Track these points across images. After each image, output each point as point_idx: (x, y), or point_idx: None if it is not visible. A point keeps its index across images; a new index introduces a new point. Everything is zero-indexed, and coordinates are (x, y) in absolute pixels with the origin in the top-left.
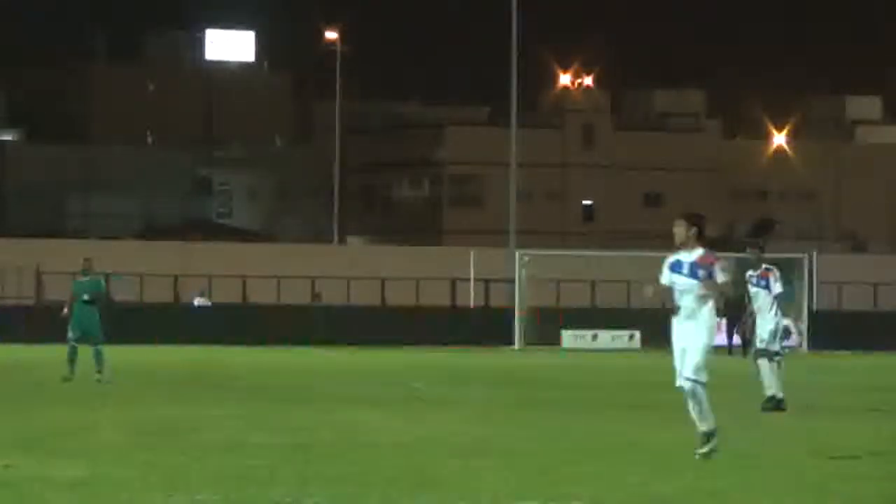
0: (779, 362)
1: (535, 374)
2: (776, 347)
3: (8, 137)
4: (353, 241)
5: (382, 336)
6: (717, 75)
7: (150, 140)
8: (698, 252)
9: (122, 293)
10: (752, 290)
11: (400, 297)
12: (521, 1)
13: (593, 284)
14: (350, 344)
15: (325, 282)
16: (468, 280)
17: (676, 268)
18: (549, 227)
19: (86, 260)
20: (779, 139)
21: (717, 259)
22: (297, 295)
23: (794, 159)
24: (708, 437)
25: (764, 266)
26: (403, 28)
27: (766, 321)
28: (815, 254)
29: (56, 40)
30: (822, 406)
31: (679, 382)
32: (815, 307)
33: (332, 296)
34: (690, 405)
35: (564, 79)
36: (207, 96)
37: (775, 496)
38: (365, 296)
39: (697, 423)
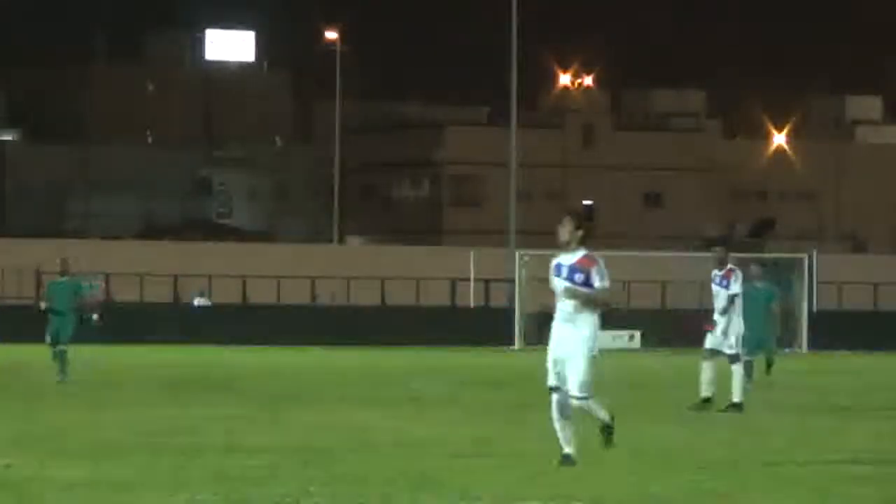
0: (735, 364)
1: (535, 374)
2: (732, 350)
3: (8, 137)
4: (353, 241)
5: (382, 336)
6: (717, 75)
7: (150, 140)
8: (579, 254)
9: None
10: (714, 289)
11: (400, 297)
12: (521, 1)
13: None
14: (350, 344)
15: (325, 282)
16: (468, 280)
17: (557, 271)
18: (549, 227)
19: (62, 261)
20: (779, 139)
21: (597, 262)
22: (297, 295)
23: (794, 159)
24: (608, 430)
25: (728, 266)
26: (403, 28)
27: (731, 324)
28: (815, 254)
29: (56, 40)
30: (822, 406)
31: (550, 382)
32: (815, 307)
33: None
34: (555, 411)
35: (564, 79)
36: (207, 96)
37: (775, 496)
38: (365, 296)
39: (560, 432)
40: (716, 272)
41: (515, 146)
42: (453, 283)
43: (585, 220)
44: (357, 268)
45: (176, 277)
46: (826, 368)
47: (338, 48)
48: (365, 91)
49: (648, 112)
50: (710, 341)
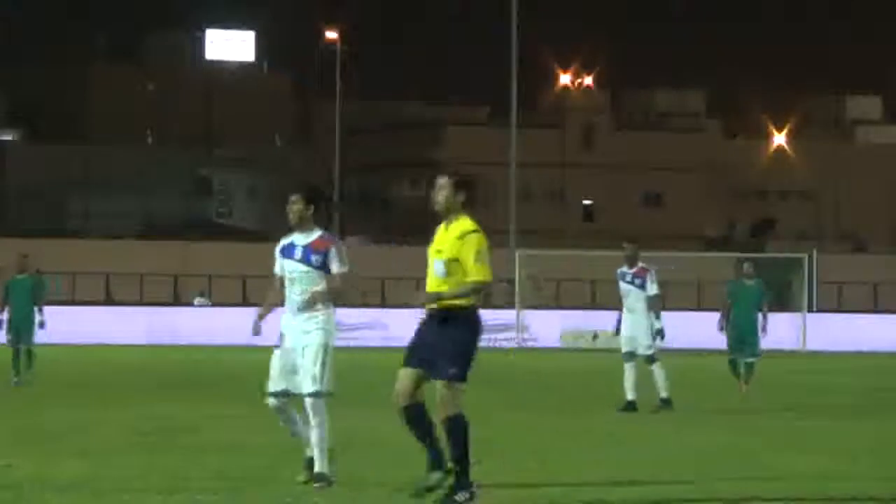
0: (654, 363)
1: (534, 374)
2: (650, 351)
3: (8, 137)
4: (353, 241)
5: (382, 336)
6: (717, 75)
7: (150, 140)
8: (316, 234)
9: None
10: (624, 287)
11: (399, 297)
12: (521, 1)
13: (593, 284)
14: (354, 344)
15: None
16: None
17: (288, 252)
18: (549, 227)
19: (23, 257)
20: (779, 139)
21: (335, 242)
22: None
23: (794, 159)
24: (318, 470)
25: (640, 264)
26: (403, 28)
27: (641, 324)
28: (815, 254)
29: (56, 40)
30: (822, 406)
31: (273, 388)
32: (815, 307)
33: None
34: (283, 421)
35: (564, 79)
36: (207, 96)
37: (775, 496)
38: (364, 296)
39: (303, 440)
40: (625, 270)
41: (515, 146)
42: None
43: (317, 197)
44: (357, 268)
45: (176, 277)
46: (826, 368)
47: (338, 48)
48: (365, 91)
49: (648, 112)
50: (625, 344)
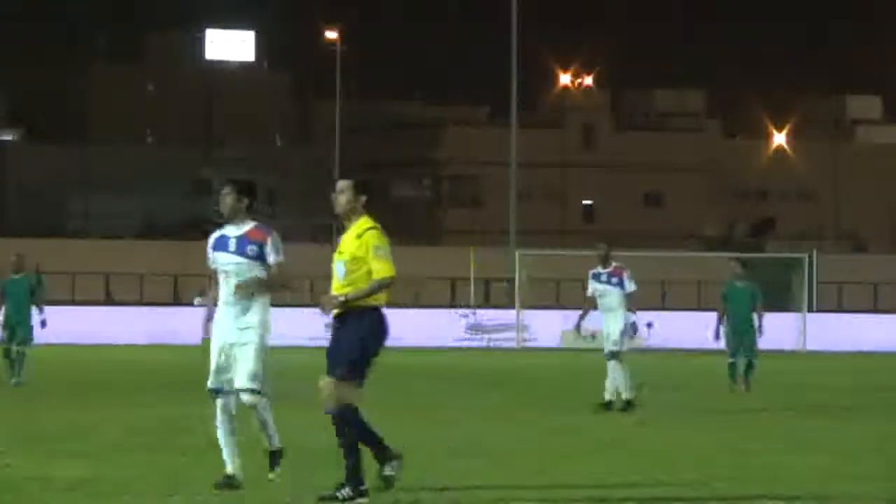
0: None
1: (534, 374)
2: (616, 347)
3: (8, 137)
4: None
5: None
6: (717, 75)
7: (150, 140)
8: (249, 225)
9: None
10: (601, 287)
11: (400, 297)
12: (521, 1)
13: None
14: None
15: (325, 282)
16: (468, 280)
17: (221, 244)
18: (549, 227)
19: (18, 256)
20: (779, 139)
21: (271, 233)
22: (296, 295)
23: (794, 159)
24: (275, 456)
25: (615, 263)
26: (403, 28)
27: (617, 321)
28: (815, 254)
29: (56, 40)
30: (822, 406)
31: (212, 384)
32: (815, 307)
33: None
34: (221, 420)
35: (564, 79)
36: (207, 96)
37: (775, 495)
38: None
39: (226, 445)
40: (599, 270)
41: (515, 146)
42: (453, 283)
43: (248, 188)
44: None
45: (176, 277)
46: (826, 368)
47: (338, 48)
48: (365, 91)
49: (648, 112)
50: (607, 344)
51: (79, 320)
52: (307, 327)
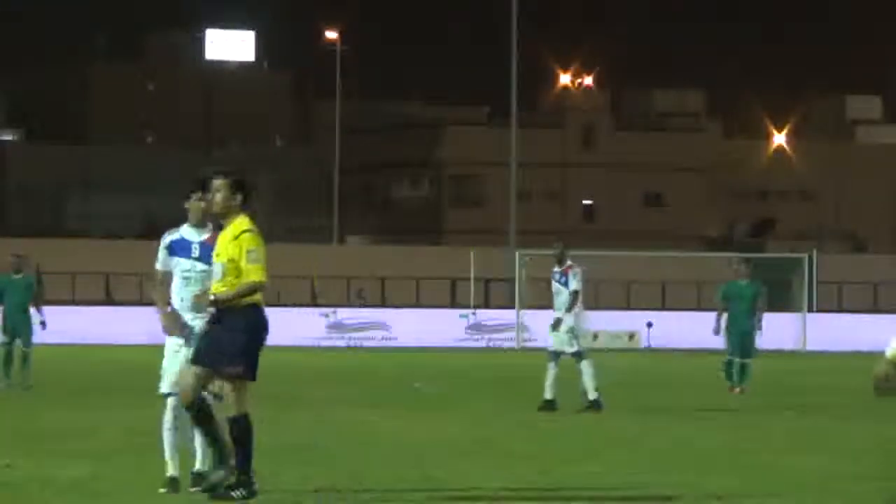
0: (582, 361)
1: (534, 374)
2: (574, 348)
3: (8, 137)
4: (353, 241)
5: (382, 336)
6: (717, 75)
7: (150, 140)
8: (208, 231)
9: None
10: (555, 286)
11: (400, 297)
12: (521, 1)
13: (595, 284)
14: (348, 344)
15: (327, 281)
16: (468, 280)
17: (182, 249)
18: (549, 227)
19: (17, 256)
20: (779, 139)
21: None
22: (297, 295)
23: (794, 159)
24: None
25: (568, 263)
26: (403, 28)
27: (570, 321)
28: (815, 254)
29: (56, 40)
30: (822, 406)
31: (163, 389)
32: (815, 307)
33: (332, 296)
34: (169, 420)
35: (564, 79)
36: (207, 96)
37: (775, 496)
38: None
39: (170, 450)
40: (555, 270)
41: (515, 146)
42: (453, 283)
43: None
44: (357, 268)
45: None
46: (826, 368)
47: (338, 48)
48: (365, 91)
49: (648, 112)
50: (553, 343)
51: (79, 320)
52: (308, 327)
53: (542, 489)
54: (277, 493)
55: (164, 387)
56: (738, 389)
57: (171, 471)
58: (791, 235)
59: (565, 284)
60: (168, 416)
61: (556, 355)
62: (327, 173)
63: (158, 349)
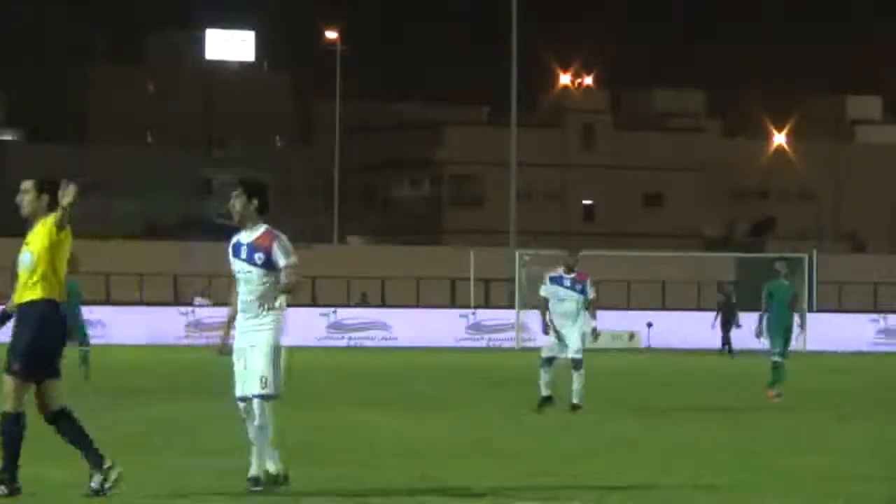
0: (580, 369)
1: (534, 374)
2: (580, 355)
3: (8, 137)
4: (353, 241)
5: (382, 336)
6: (717, 75)
7: (150, 140)
8: (259, 230)
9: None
10: (563, 292)
11: (400, 297)
12: (521, 1)
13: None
14: (348, 344)
15: (327, 281)
16: (468, 280)
17: (236, 251)
18: (549, 227)
19: (73, 256)
20: (779, 139)
21: (278, 237)
22: (297, 295)
23: (794, 159)
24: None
25: (579, 270)
26: (403, 28)
27: (576, 327)
28: (815, 254)
29: (56, 40)
30: (822, 406)
31: (240, 392)
32: (815, 307)
33: (333, 296)
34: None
35: (564, 79)
36: (207, 96)
37: (775, 495)
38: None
39: (257, 457)
40: (564, 275)
41: (515, 146)
42: (453, 283)
43: (261, 189)
44: (357, 268)
45: (176, 277)
46: (826, 368)
47: (338, 48)
48: (365, 91)
49: (648, 112)
50: (548, 350)
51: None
52: (308, 327)
53: (542, 489)
54: (277, 493)
55: (237, 391)
56: (773, 393)
57: (262, 467)
58: (791, 235)
59: (581, 292)
60: (246, 419)
61: (551, 361)
62: (327, 173)
63: (158, 349)
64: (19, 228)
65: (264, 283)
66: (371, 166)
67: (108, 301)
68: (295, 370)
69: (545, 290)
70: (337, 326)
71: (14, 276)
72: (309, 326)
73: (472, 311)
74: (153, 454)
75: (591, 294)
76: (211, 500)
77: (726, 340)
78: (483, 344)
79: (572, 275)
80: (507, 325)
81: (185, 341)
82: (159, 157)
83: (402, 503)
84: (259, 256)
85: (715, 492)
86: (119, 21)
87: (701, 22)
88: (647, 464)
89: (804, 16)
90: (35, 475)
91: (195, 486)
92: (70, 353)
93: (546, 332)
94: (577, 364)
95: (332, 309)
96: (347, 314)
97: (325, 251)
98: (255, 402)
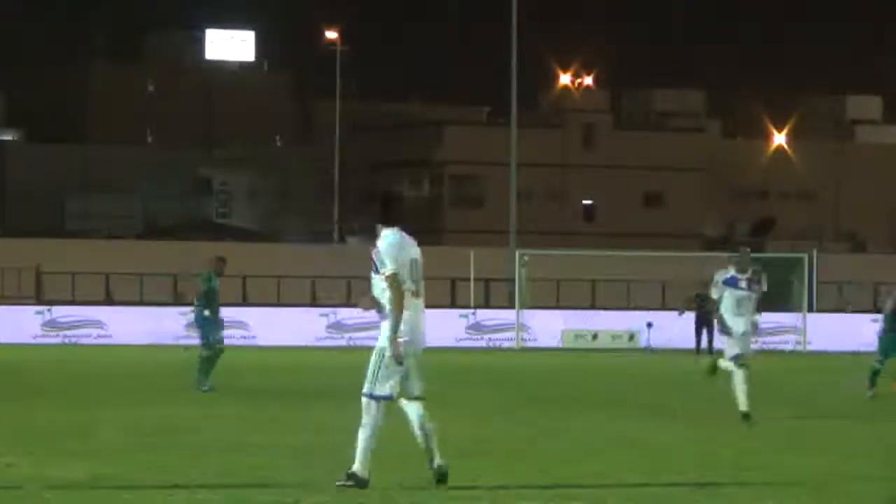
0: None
1: (534, 374)
2: (750, 352)
3: (8, 137)
4: (353, 241)
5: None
6: (717, 75)
7: (150, 140)
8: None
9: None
10: (739, 294)
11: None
12: (521, 1)
13: (593, 284)
14: (348, 344)
15: (326, 281)
16: (468, 280)
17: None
18: (549, 227)
19: (220, 260)
20: (779, 139)
21: (375, 247)
22: (297, 295)
23: (794, 159)
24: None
25: (753, 268)
26: (403, 28)
27: (746, 323)
28: (815, 254)
29: (56, 40)
30: (822, 406)
31: (377, 392)
32: (815, 307)
33: (333, 296)
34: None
35: (564, 79)
36: (207, 96)
37: (776, 495)
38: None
39: (361, 454)
40: (738, 276)
41: (515, 146)
42: (453, 283)
43: (383, 202)
44: (357, 268)
45: (176, 277)
46: (826, 368)
47: (338, 48)
48: (365, 91)
49: (648, 112)
50: (735, 347)
51: (79, 320)
52: (308, 328)
53: (542, 489)
54: (277, 493)
55: (379, 389)
56: (870, 393)
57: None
58: (791, 235)
59: (754, 290)
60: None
61: (739, 358)
62: (327, 173)
63: (159, 349)
64: (20, 228)
65: (382, 290)
66: (371, 166)
67: (108, 301)
68: (294, 370)
69: (719, 293)
70: (337, 326)
71: None
72: (309, 326)
73: (472, 311)
74: (153, 454)
75: (765, 287)
76: (211, 499)
77: (703, 342)
78: (483, 344)
79: (746, 274)
80: (508, 325)
81: (185, 341)
82: (159, 157)
83: (402, 503)
84: (372, 265)
85: (715, 492)
86: (119, 21)
87: (701, 22)
88: (647, 464)
89: (804, 16)
90: (39, 475)
91: (195, 486)
92: (194, 350)
93: (725, 332)
94: (742, 363)
95: (332, 309)
96: (347, 314)
97: (325, 251)
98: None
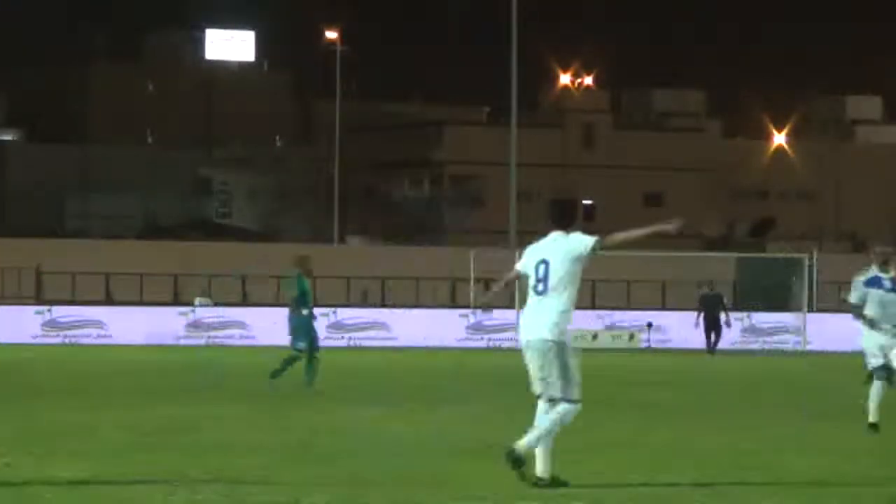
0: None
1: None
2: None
3: (8, 137)
4: (353, 241)
5: (382, 336)
6: (717, 75)
7: (150, 140)
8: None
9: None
10: (884, 296)
11: (400, 297)
12: (520, 1)
13: (593, 284)
14: (348, 344)
15: (325, 281)
16: (468, 280)
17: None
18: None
19: (304, 258)
20: (779, 139)
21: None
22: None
23: (794, 159)
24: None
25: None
26: (403, 28)
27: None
28: (815, 254)
29: (56, 40)
30: (822, 406)
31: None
32: (815, 307)
33: (333, 296)
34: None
35: (564, 79)
36: (207, 96)
37: (775, 495)
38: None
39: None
40: (879, 275)
41: (515, 146)
42: (453, 283)
43: (556, 207)
44: (357, 268)
45: (176, 277)
46: (826, 368)
47: (338, 48)
48: (365, 91)
49: (648, 112)
50: (878, 357)
51: (78, 320)
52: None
53: (542, 489)
54: (277, 493)
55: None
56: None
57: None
58: (791, 235)
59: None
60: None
61: (885, 369)
62: (327, 173)
63: (158, 349)
64: (20, 228)
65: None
66: (371, 166)
67: (108, 301)
68: (294, 370)
69: (858, 296)
70: (337, 326)
71: None
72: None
73: (473, 311)
74: (153, 454)
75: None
76: (211, 499)
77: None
78: (483, 344)
79: (891, 273)
80: (508, 325)
81: (185, 341)
82: (159, 157)
83: (402, 503)
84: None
85: (715, 492)
86: (119, 21)
87: (701, 22)
88: (647, 464)
89: (804, 16)
90: (39, 475)
91: (195, 485)
92: (284, 353)
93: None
94: (890, 373)
95: (332, 309)
96: (347, 314)
97: (325, 251)
98: None
